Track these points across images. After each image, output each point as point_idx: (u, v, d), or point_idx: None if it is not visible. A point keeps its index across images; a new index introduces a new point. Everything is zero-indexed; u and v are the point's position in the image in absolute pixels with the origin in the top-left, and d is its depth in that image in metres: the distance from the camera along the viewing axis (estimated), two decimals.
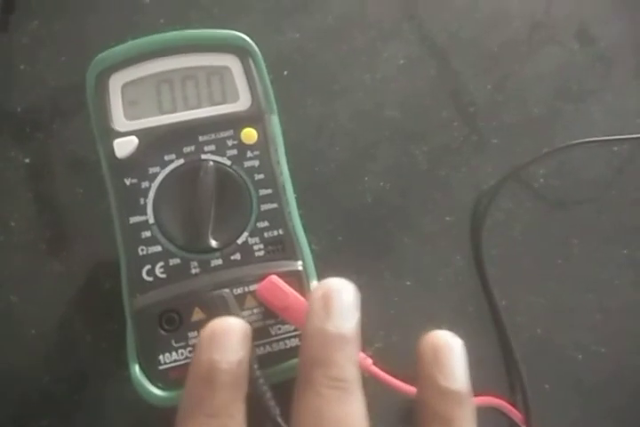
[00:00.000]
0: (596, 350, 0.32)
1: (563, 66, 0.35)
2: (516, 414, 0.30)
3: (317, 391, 0.19)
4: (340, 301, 0.20)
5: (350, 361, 0.20)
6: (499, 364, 0.32)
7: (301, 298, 0.24)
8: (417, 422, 0.20)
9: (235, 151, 0.27)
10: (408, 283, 0.32)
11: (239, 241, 0.26)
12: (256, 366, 0.23)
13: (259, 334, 0.25)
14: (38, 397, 0.30)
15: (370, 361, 0.25)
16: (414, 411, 0.21)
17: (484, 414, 0.30)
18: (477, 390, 0.30)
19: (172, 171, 0.26)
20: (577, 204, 0.34)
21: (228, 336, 0.21)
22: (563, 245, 0.33)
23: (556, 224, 0.33)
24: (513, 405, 0.30)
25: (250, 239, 0.26)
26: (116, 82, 0.27)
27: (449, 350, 0.21)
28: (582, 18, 0.36)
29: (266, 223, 0.26)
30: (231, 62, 0.27)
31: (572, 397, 0.31)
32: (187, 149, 0.26)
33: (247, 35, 0.27)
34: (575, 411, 0.31)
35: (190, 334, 0.25)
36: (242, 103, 0.27)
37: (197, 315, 0.25)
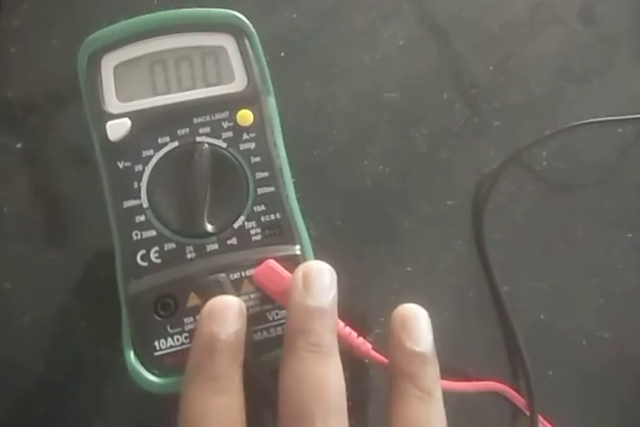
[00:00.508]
0: (599, 336, 0.31)
1: (565, 46, 0.35)
2: (519, 400, 0.30)
3: (299, 356, 0.21)
4: (319, 279, 0.23)
5: (328, 330, 0.22)
6: (501, 349, 0.31)
7: None
8: (390, 383, 0.23)
9: (230, 133, 0.26)
10: (408, 268, 0.32)
11: (235, 225, 0.26)
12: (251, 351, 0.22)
13: (256, 319, 0.25)
14: (34, 385, 0.30)
15: (369, 346, 0.25)
16: (388, 374, 0.24)
17: (487, 399, 0.30)
18: (480, 375, 0.30)
19: (166, 154, 0.26)
20: (580, 187, 0.33)
21: (226, 311, 0.23)
22: (566, 229, 0.32)
23: (559, 208, 0.33)
24: (516, 390, 0.30)
25: (246, 223, 0.26)
26: (109, 63, 0.26)
27: (414, 318, 0.24)
28: None
29: (263, 207, 0.26)
30: (226, 42, 0.27)
31: (575, 382, 0.31)
32: (181, 132, 0.26)
33: (243, 14, 0.27)
34: (578, 396, 0.31)
35: (186, 320, 0.24)
36: (237, 84, 0.26)
37: (193, 300, 0.25)
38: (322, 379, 0.21)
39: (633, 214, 0.33)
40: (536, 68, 0.34)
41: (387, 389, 0.24)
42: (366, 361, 0.26)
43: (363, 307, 0.31)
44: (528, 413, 0.30)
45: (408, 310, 0.24)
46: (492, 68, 0.34)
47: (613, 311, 0.32)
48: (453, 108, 0.33)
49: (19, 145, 0.32)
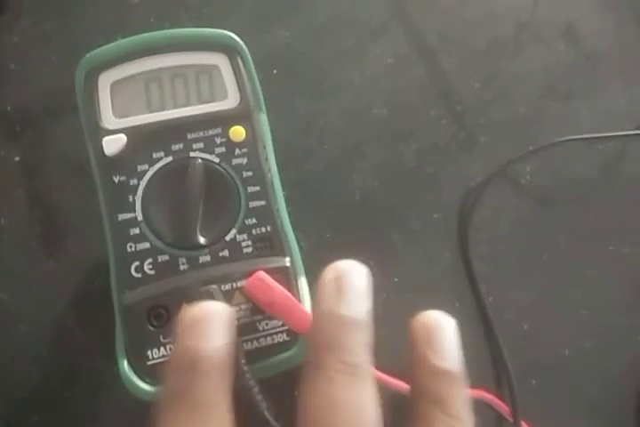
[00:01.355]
0: (581, 346, 0.32)
1: (549, 65, 0.36)
2: (503, 407, 0.30)
3: (328, 376, 0.18)
4: (354, 283, 0.20)
5: (363, 346, 0.19)
6: (486, 359, 0.32)
7: (289, 294, 0.24)
8: (413, 405, 0.20)
9: (223, 149, 0.27)
10: (396, 279, 0.32)
11: (227, 238, 0.26)
12: (243, 361, 0.23)
13: (246, 329, 0.25)
14: (29, 392, 0.30)
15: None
16: (410, 394, 0.20)
17: (471, 407, 0.30)
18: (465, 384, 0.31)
19: (160, 168, 0.26)
20: (563, 201, 0.34)
21: (210, 321, 0.20)
22: (549, 242, 0.33)
23: (543, 221, 0.34)
24: (500, 398, 0.31)
25: (238, 236, 0.26)
26: (106, 80, 0.27)
27: (441, 330, 0.20)
28: (568, 18, 0.36)
29: (254, 220, 0.26)
30: (220, 61, 0.27)
31: (558, 391, 0.32)
32: (175, 147, 0.27)
33: (236, 33, 0.27)
34: (561, 405, 0.31)
35: None
36: (230, 101, 0.27)
37: None
38: (356, 407, 0.18)
39: (614, 228, 0.34)
40: (520, 86, 0.35)
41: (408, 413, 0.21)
42: None
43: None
44: (512, 420, 0.30)
45: (433, 319, 0.21)
46: (477, 85, 0.35)
47: (595, 322, 0.33)
48: (440, 125, 0.34)
49: (17, 158, 0.33)
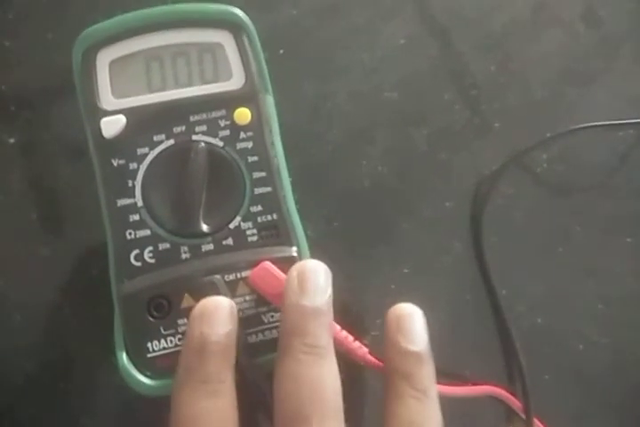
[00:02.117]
0: (596, 340, 0.31)
1: (567, 48, 0.34)
2: (515, 403, 0.30)
3: (295, 357, 0.21)
4: (314, 278, 0.23)
5: (324, 330, 0.22)
6: (498, 353, 0.31)
7: None
8: (385, 382, 0.23)
9: (227, 132, 0.26)
10: (406, 270, 0.31)
11: (231, 226, 0.25)
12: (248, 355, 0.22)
13: (251, 321, 0.24)
14: (24, 383, 0.30)
15: (366, 350, 0.25)
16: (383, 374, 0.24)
17: (483, 402, 0.30)
18: (477, 378, 0.30)
19: (161, 152, 0.25)
20: (580, 190, 0.33)
21: (217, 312, 0.23)
22: (564, 233, 0.32)
23: (558, 211, 0.32)
24: (512, 394, 0.30)
25: (243, 224, 0.25)
26: (104, 58, 0.26)
27: (409, 317, 0.24)
28: None
29: (259, 207, 0.25)
30: (224, 39, 0.26)
31: (571, 387, 0.31)
32: (177, 130, 0.25)
33: (241, 10, 0.26)
34: (574, 401, 0.31)
35: (180, 322, 0.24)
36: (235, 82, 0.26)
37: (187, 302, 0.24)
38: (318, 381, 0.21)
39: (632, 219, 0.33)
40: (537, 70, 0.34)
41: (382, 389, 0.23)
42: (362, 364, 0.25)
43: (359, 308, 0.31)
44: (524, 416, 0.30)
45: (403, 309, 0.24)
46: (493, 68, 0.34)
47: (611, 316, 0.32)
48: (453, 109, 0.33)
49: (12, 140, 0.32)
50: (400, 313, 0.24)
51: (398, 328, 0.23)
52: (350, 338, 0.25)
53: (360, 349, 0.24)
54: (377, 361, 0.24)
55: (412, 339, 0.23)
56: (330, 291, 0.23)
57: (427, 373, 0.23)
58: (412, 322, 0.24)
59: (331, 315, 0.23)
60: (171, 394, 0.22)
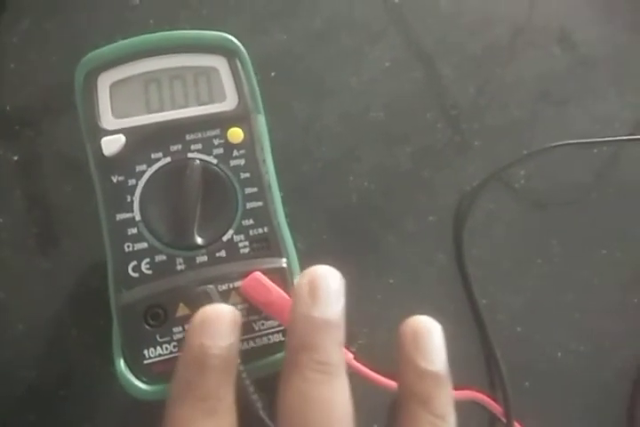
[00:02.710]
0: (574, 348, 0.33)
1: (544, 70, 0.36)
2: (497, 408, 0.31)
3: (303, 375, 0.19)
4: (326, 287, 0.21)
5: (336, 346, 0.20)
6: (479, 361, 0.32)
7: (285, 294, 0.24)
8: (399, 403, 0.21)
9: (221, 150, 0.27)
10: (391, 281, 0.33)
11: (224, 238, 0.26)
12: (239, 361, 0.23)
13: (243, 329, 0.25)
14: (25, 391, 0.31)
15: (351, 356, 0.25)
16: (397, 394, 0.21)
17: (464, 408, 0.30)
18: (459, 385, 0.31)
19: (158, 169, 0.26)
20: (557, 205, 0.34)
21: (219, 322, 0.21)
22: (543, 246, 0.34)
23: (537, 225, 0.34)
24: (493, 400, 0.31)
25: (235, 237, 0.26)
26: (105, 81, 0.27)
27: (428, 334, 0.21)
28: (564, 23, 0.37)
29: (251, 221, 0.27)
30: (218, 63, 0.28)
31: (550, 392, 0.32)
32: (173, 148, 0.27)
33: (235, 36, 0.28)
34: (553, 406, 0.32)
35: (175, 330, 0.25)
36: (229, 103, 0.27)
37: (182, 311, 0.25)
38: (329, 402, 0.19)
39: (607, 232, 0.34)
40: (515, 91, 0.35)
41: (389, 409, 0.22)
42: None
43: (346, 317, 0.32)
44: (505, 420, 0.31)
45: (420, 324, 0.22)
46: (472, 90, 0.35)
47: (587, 325, 0.33)
48: (436, 128, 0.35)
49: (15, 157, 0.33)
50: (416, 328, 0.21)
51: (415, 345, 0.21)
52: (350, 355, 0.25)
53: (371, 374, 0.24)
54: (388, 380, 0.24)
55: (431, 358, 0.21)
56: (343, 301, 0.21)
57: (446, 396, 0.21)
58: (430, 339, 0.21)
59: (343, 328, 0.21)
60: (166, 407, 0.20)
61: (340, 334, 0.20)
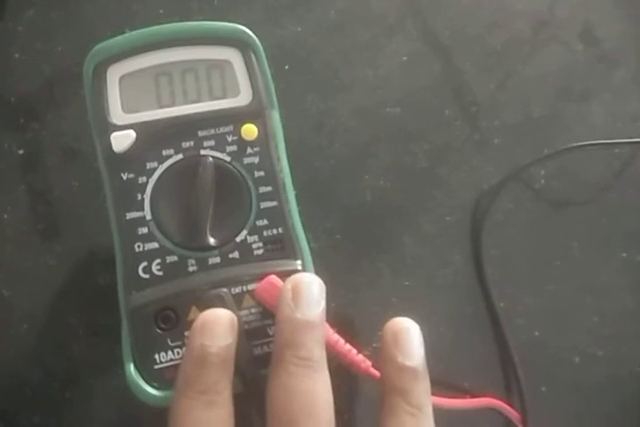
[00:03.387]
0: (592, 353, 0.32)
1: (565, 66, 0.35)
2: (514, 414, 0.30)
3: (287, 369, 0.21)
4: (308, 292, 0.23)
5: (316, 343, 0.22)
6: (496, 365, 0.31)
7: None
8: (381, 396, 0.23)
9: (234, 147, 0.26)
10: (407, 283, 0.32)
11: (238, 239, 0.26)
12: (253, 366, 0.23)
13: (256, 334, 0.25)
14: (30, 392, 0.30)
15: (369, 364, 0.25)
16: (379, 388, 0.24)
17: (482, 413, 0.30)
18: (475, 390, 0.30)
19: (170, 166, 0.26)
20: (577, 206, 0.33)
21: (217, 324, 0.23)
22: (562, 248, 0.33)
23: (556, 226, 0.33)
24: (510, 405, 0.30)
25: (249, 238, 0.26)
26: (114, 74, 0.26)
27: (406, 332, 0.24)
28: (587, 18, 0.36)
29: (265, 221, 0.26)
30: (232, 56, 0.27)
31: (567, 398, 0.31)
32: (185, 144, 0.26)
33: (248, 27, 0.27)
34: (571, 414, 0.31)
35: (187, 334, 0.24)
36: (242, 98, 0.27)
37: (194, 314, 0.25)
38: (310, 394, 0.21)
39: (628, 234, 0.33)
40: (536, 88, 0.34)
41: (377, 402, 0.24)
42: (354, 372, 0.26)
43: (360, 320, 0.31)
44: (521, 426, 0.30)
45: (400, 324, 0.24)
46: (492, 86, 0.34)
47: (606, 330, 0.32)
48: (454, 125, 0.34)
49: (20, 151, 0.33)
50: (397, 328, 0.24)
51: (395, 343, 0.24)
52: (354, 351, 0.25)
53: (364, 362, 0.25)
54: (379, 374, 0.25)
55: (409, 354, 0.23)
56: (323, 304, 0.23)
57: (422, 388, 0.23)
58: (408, 337, 0.24)
59: (323, 328, 0.23)
60: (171, 401, 0.22)
61: (319, 333, 0.23)
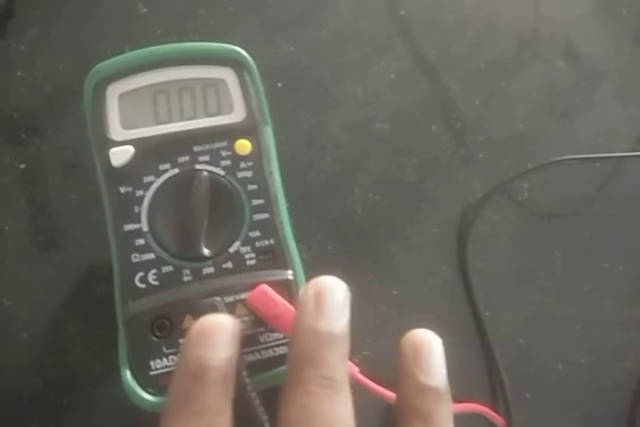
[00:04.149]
0: (575, 361, 0.33)
1: (549, 83, 0.36)
2: (499, 420, 0.31)
3: (307, 390, 0.19)
4: (333, 299, 0.20)
5: (340, 360, 0.20)
6: (482, 372, 0.32)
7: (291, 307, 0.25)
8: (398, 419, 0.21)
9: (228, 162, 0.27)
10: (395, 292, 0.33)
11: (231, 250, 0.27)
12: (245, 373, 0.23)
13: (248, 341, 0.25)
14: (28, 400, 0.31)
15: (356, 369, 0.26)
16: (396, 409, 0.21)
17: (468, 419, 0.31)
18: (460, 397, 0.31)
19: (166, 180, 0.27)
20: (560, 218, 0.34)
21: (218, 333, 0.20)
22: (545, 258, 0.34)
23: (540, 237, 0.34)
24: (495, 411, 0.31)
25: (241, 248, 0.27)
26: (114, 92, 0.27)
27: (429, 348, 0.21)
28: (569, 37, 0.37)
29: (257, 233, 0.27)
30: (227, 75, 0.28)
31: (551, 404, 0.32)
32: (181, 159, 0.27)
33: (243, 47, 0.28)
34: (555, 420, 0.32)
35: (181, 341, 0.25)
36: (236, 115, 0.28)
37: (188, 322, 0.25)
38: (332, 418, 0.19)
39: (609, 245, 0.34)
40: (520, 104, 0.36)
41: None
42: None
43: (350, 329, 0.32)
44: None
45: (420, 337, 0.22)
46: (477, 102, 0.36)
47: (589, 338, 0.33)
48: (441, 140, 0.35)
49: (22, 165, 0.33)
50: (418, 341, 0.21)
51: (415, 360, 0.21)
52: (356, 369, 0.25)
53: (351, 367, 0.25)
54: (388, 392, 0.24)
55: (431, 373, 0.21)
56: (349, 314, 0.21)
57: (445, 412, 0.20)
58: (431, 353, 0.21)
59: (348, 342, 0.20)
60: (160, 422, 0.20)
61: (344, 348, 0.20)
